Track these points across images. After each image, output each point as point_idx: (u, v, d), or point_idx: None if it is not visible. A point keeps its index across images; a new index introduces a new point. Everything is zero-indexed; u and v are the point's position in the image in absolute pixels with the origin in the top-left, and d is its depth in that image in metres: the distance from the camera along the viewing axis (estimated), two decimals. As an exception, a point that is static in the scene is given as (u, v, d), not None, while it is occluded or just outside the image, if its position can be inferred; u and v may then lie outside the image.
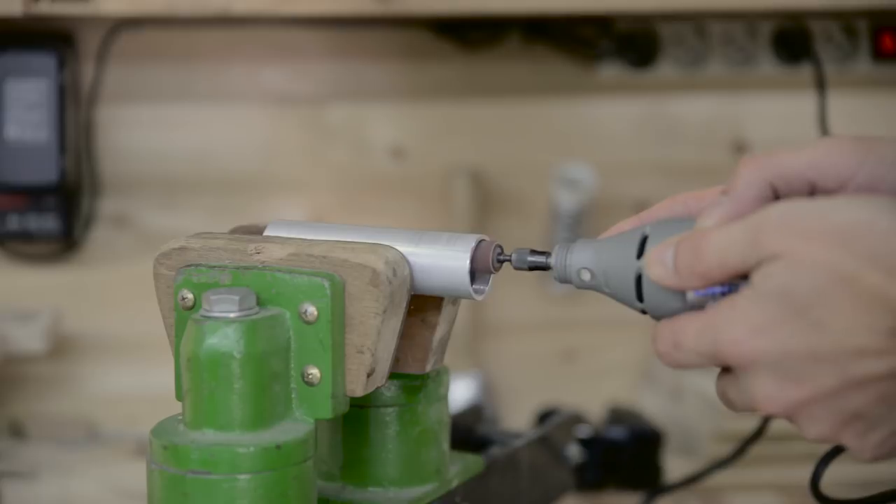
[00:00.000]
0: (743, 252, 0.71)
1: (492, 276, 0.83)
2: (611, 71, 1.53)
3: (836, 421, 0.71)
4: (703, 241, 0.73)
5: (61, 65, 1.44)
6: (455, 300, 0.86)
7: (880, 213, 0.69)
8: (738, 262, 0.72)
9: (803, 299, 0.69)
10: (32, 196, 1.45)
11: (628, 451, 1.33)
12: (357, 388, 0.80)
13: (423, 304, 0.85)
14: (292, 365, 0.79)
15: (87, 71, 1.49)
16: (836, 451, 0.84)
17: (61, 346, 1.50)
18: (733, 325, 0.71)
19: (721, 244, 0.72)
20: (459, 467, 0.93)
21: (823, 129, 1.43)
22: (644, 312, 0.77)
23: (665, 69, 1.52)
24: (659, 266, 0.75)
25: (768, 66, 1.53)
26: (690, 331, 0.73)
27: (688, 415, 1.49)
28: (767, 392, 0.71)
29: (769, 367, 0.70)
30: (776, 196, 0.76)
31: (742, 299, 0.71)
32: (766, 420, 1.25)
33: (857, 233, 0.69)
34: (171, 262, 0.83)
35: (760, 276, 0.70)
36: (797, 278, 0.69)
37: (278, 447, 0.77)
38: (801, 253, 0.69)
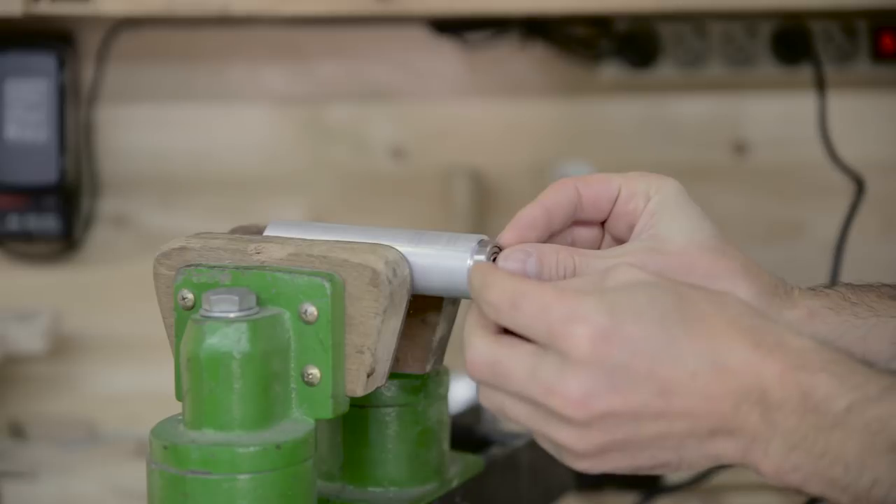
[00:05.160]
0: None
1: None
2: (611, 71, 1.53)
3: (609, 441, 0.69)
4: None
5: (61, 65, 1.44)
6: (455, 300, 0.86)
7: None
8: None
9: (667, 311, 0.69)
10: (32, 196, 1.45)
11: (628, 451, 1.32)
12: (357, 388, 0.80)
13: (423, 304, 0.85)
14: (292, 365, 0.79)
15: (87, 71, 1.49)
16: None
17: (61, 346, 1.50)
18: (595, 316, 0.69)
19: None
20: (459, 467, 0.93)
21: (823, 128, 1.43)
22: None
23: (665, 69, 1.52)
24: None
25: (768, 66, 1.53)
26: (536, 299, 0.71)
27: (688, 415, 1.49)
28: (583, 390, 0.68)
29: (608, 370, 0.68)
30: None
31: (609, 296, 0.70)
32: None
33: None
34: (171, 262, 0.83)
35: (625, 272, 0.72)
36: (660, 292, 0.70)
37: (278, 447, 0.77)
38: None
